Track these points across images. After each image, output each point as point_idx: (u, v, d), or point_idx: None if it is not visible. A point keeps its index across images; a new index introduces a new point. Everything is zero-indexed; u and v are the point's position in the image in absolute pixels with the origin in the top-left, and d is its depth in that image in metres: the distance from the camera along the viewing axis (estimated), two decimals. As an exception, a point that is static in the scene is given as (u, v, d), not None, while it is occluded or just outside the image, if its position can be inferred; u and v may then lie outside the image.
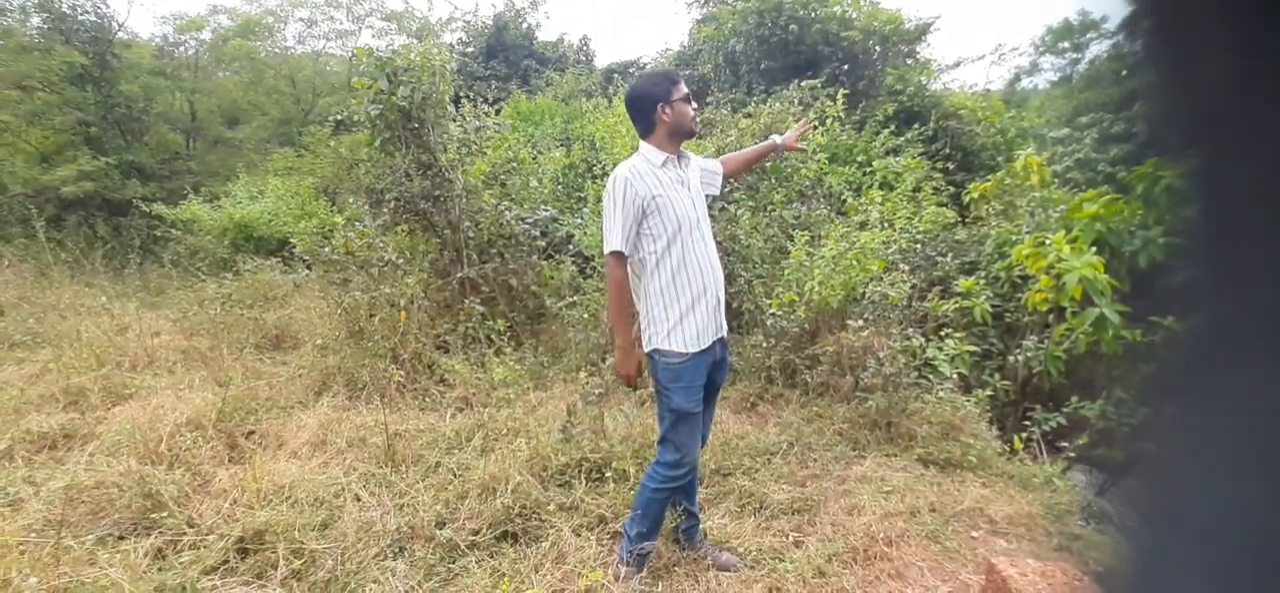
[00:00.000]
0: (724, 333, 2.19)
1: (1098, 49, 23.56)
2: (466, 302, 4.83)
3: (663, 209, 2.02)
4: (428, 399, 4.21)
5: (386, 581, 2.26)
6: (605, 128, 7.12)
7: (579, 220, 5.84)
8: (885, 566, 2.42)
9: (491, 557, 2.39)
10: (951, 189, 7.40)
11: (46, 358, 4.64)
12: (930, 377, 3.95)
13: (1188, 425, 0.39)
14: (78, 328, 5.19)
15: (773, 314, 4.28)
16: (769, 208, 5.36)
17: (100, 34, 11.01)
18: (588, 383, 3.50)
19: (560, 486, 2.85)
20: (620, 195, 2.01)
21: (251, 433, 3.55)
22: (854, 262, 4.21)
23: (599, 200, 5.80)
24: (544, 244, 5.79)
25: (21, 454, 3.27)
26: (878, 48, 10.59)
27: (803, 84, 7.62)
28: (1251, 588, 0.34)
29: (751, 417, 3.94)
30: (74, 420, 3.65)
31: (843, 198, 6.32)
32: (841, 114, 7.26)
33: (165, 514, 2.56)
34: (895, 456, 3.35)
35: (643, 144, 2.15)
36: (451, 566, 2.34)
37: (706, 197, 2.31)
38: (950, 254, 5.67)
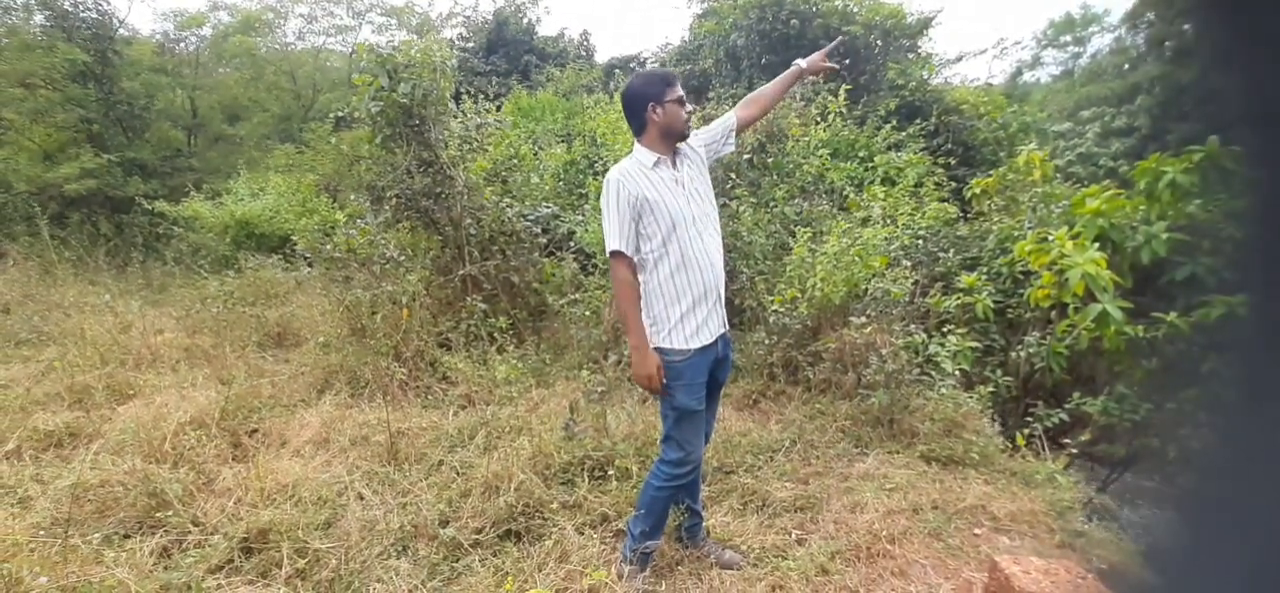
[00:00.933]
0: (726, 330, 2.19)
1: (1100, 43, 23.48)
2: (468, 299, 4.84)
3: (655, 209, 2.02)
4: (430, 397, 4.22)
5: (390, 580, 2.28)
6: (606, 124, 7.12)
7: (580, 217, 5.84)
8: (888, 563, 2.42)
9: (495, 556, 2.40)
10: (953, 184, 7.38)
11: (51, 356, 4.66)
12: (932, 373, 3.95)
13: (1234, 421, 0.39)
14: (82, 326, 5.20)
15: (775, 311, 4.28)
16: (771, 204, 5.35)
17: (101, 31, 11.01)
18: (590, 380, 3.51)
19: (563, 484, 2.86)
20: (613, 197, 2.05)
21: (254, 431, 3.57)
22: (856, 258, 4.21)
23: (599, 197, 5.80)
24: (545, 241, 5.79)
25: (29, 453, 3.29)
26: (879, 42, 10.56)
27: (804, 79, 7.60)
28: None
29: (754, 414, 3.95)
30: (79, 419, 3.66)
31: (845, 194, 6.31)
32: (843, 109, 7.25)
33: (170, 513, 2.57)
34: (898, 453, 3.35)
35: (636, 144, 2.16)
36: (454, 565, 2.35)
37: (724, 154, 2.35)
38: (952, 250, 5.66)
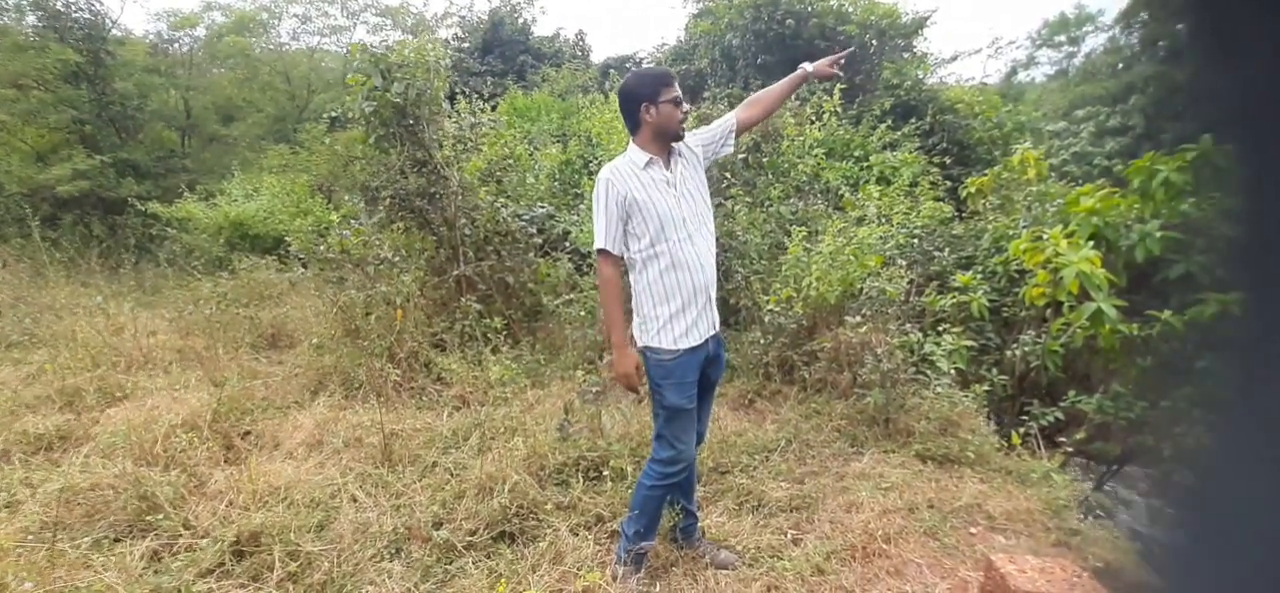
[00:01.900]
0: (717, 330, 2.19)
1: (1094, 42, 23.60)
2: (463, 300, 4.81)
3: (644, 209, 2.03)
4: (424, 398, 4.20)
5: (383, 582, 2.26)
6: (602, 124, 7.11)
7: (575, 217, 5.83)
8: (884, 563, 2.42)
9: (488, 557, 2.39)
10: (948, 184, 7.39)
11: (42, 358, 4.62)
12: (928, 372, 3.94)
13: (1229, 417, 0.39)
14: (73, 328, 5.16)
15: (770, 310, 4.27)
16: (766, 204, 5.34)
17: (94, 31, 10.95)
18: (585, 381, 3.50)
19: (557, 485, 2.84)
20: (602, 196, 2.06)
21: (247, 433, 3.54)
22: (851, 257, 4.21)
23: (595, 196, 5.79)
24: (540, 241, 5.77)
25: (18, 456, 3.26)
26: (875, 42, 10.57)
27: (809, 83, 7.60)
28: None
29: (749, 413, 3.94)
30: (70, 422, 3.63)
31: (840, 193, 6.32)
32: (839, 109, 7.25)
33: (161, 517, 2.55)
34: (893, 452, 3.34)
35: (630, 142, 2.17)
36: (448, 567, 2.34)
37: (723, 155, 2.34)
38: (947, 249, 5.67)
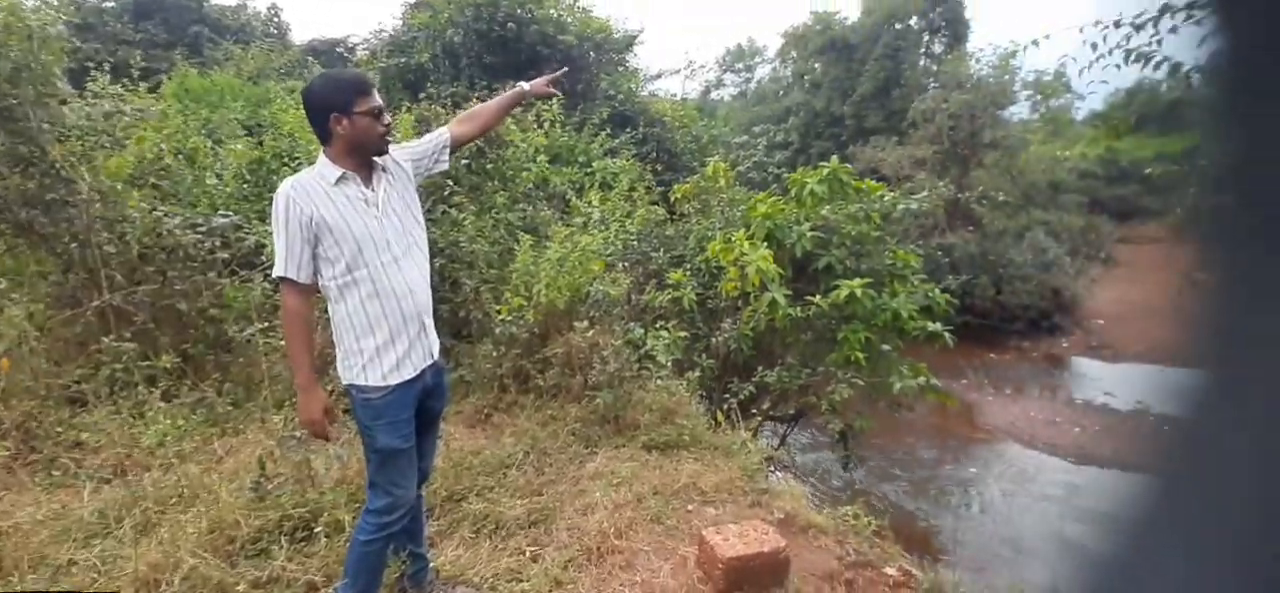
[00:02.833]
0: (434, 359, 2.04)
1: (763, 71, 28.75)
2: (110, 338, 3.76)
3: (336, 231, 1.80)
4: (55, 474, 3.17)
5: None
6: (299, 119, 6.21)
7: (272, 228, 4.98)
8: (617, 559, 2.57)
9: (154, 674, 1.89)
10: (661, 189, 8.24)
11: None
12: (650, 366, 4.33)
13: (1213, 405, 0.38)
14: None
15: (503, 321, 4.22)
16: (494, 211, 5.27)
17: None
18: (288, 423, 3.01)
19: (253, 557, 2.39)
20: (282, 216, 1.79)
21: None
22: (577, 263, 4.39)
23: (297, 204, 5.03)
24: (226, 257, 4.81)
25: None
26: (592, 53, 11.23)
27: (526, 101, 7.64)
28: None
29: (486, 429, 3.85)
30: None
31: (567, 198, 6.56)
32: (561, 118, 7.51)
33: None
34: (623, 446, 3.58)
35: (321, 153, 1.91)
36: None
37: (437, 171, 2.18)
38: (662, 249, 6.30)
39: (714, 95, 30.58)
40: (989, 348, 12.53)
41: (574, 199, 6.50)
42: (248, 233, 5.06)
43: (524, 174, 5.88)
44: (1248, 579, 0.33)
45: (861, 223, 5.57)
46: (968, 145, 15.76)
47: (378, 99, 1.89)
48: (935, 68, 19.99)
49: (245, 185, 6.32)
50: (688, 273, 5.75)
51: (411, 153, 2.11)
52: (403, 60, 11.56)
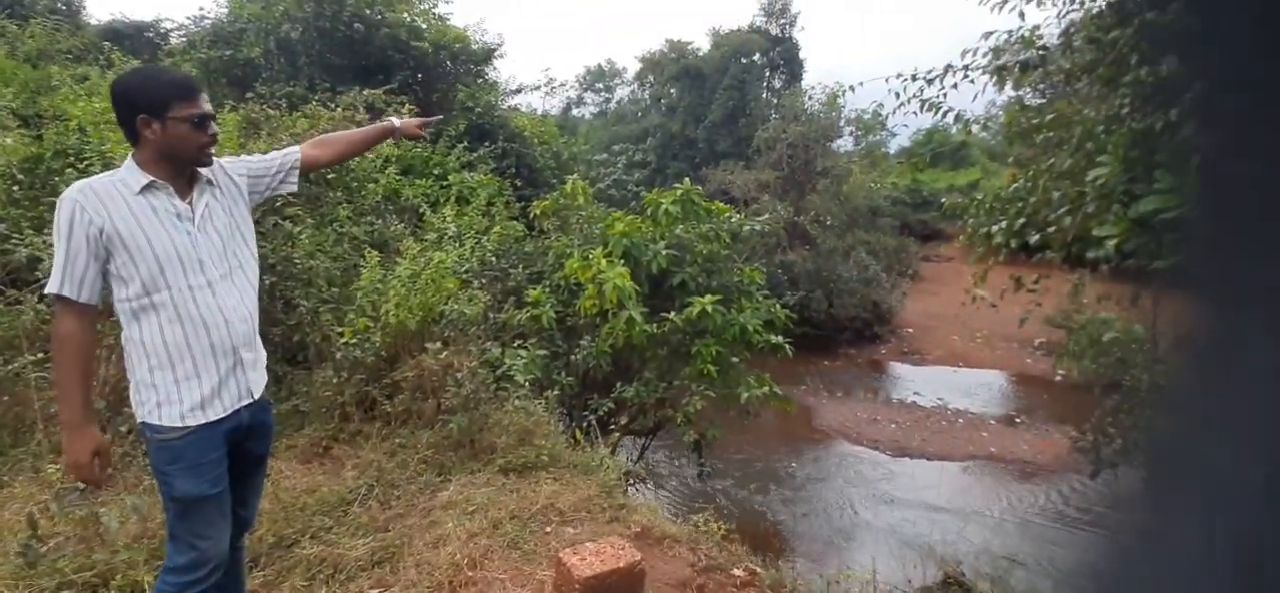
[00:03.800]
0: (255, 395, 1.81)
1: (622, 92, 29.60)
2: None
3: (130, 246, 1.59)
4: None
5: None
6: (94, 112, 5.33)
7: (50, 240, 4.19)
8: (471, 592, 2.47)
9: None
10: (520, 204, 8.15)
11: None
12: (508, 386, 4.24)
13: (1191, 407, 0.38)
14: None
15: (345, 343, 3.91)
16: (335, 223, 4.89)
17: None
18: (66, 473, 2.54)
19: (20, 638, 1.99)
20: (65, 225, 1.56)
21: None
22: (430, 281, 4.19)
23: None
24: (-16, 273, 3.98)
25: None
26: (449, 64, 10.85)
27: (365, 91, 7.18)
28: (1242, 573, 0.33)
29: (324, 463, 3.53)
30: None
31: (419, 212, 6.26)
32: (414, 126, 7.16)
33: None
34: (479, 471, 3.47)
35: (129, 157, 1.67)
36: None
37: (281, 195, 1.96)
38: (521, 266, 6.23)
39: (575, 113, 30.90)
40: (822, 355, 13.85)
41: (428, 213, 6.21)
42: (19, 244, 4.22)
43: (371, 186, 5.52)
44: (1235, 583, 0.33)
45: (712, 243, 5.93)
46: (803, 172, 17.42)
47: (203, 105, 1.68)
48: (776, 101, 21.88)
49: (16, 187, 5.26)
50: (547, 290, 5.74)
51: (249, 168, 1.90)
52: (228, 53, 10.35)
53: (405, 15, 10.68)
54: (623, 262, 5.31)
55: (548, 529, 2.99)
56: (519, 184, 9.02)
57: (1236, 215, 0.36)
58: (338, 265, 4.59)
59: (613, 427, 5.02)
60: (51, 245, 4.10)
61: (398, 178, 6.24)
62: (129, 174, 1.64)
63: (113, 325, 2.49)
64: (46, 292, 1.60)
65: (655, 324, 5.20)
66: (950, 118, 4.33)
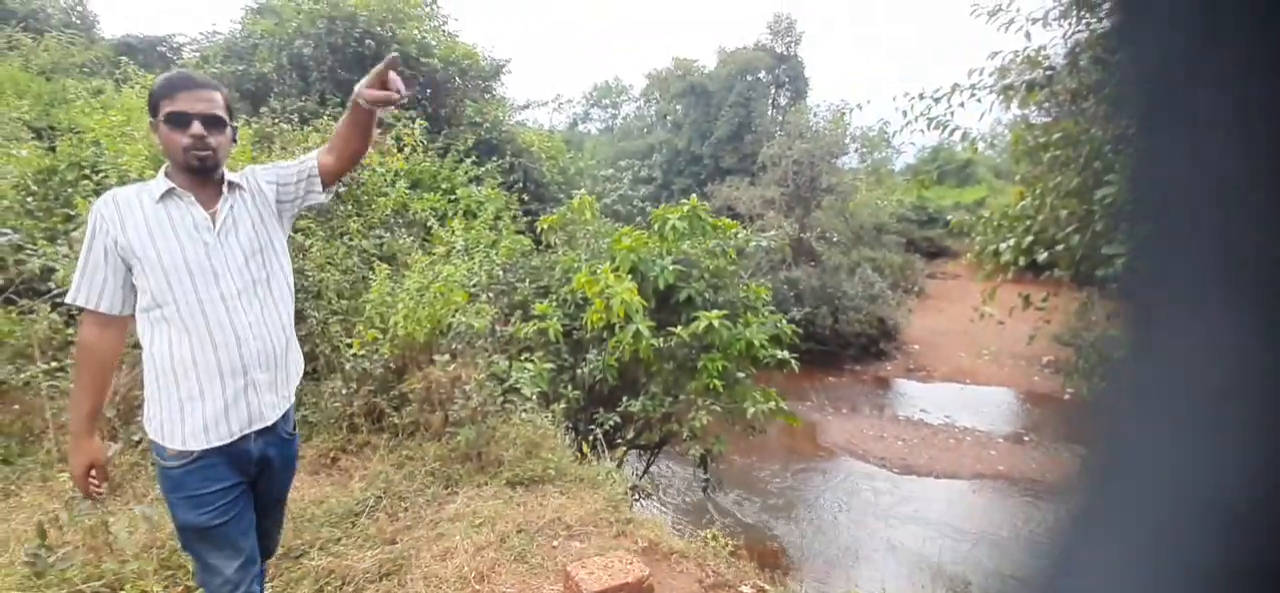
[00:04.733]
0: (266, 420, 1.67)
1: (628, 108, 29.81)
2: None
3: (140, 257, 1.54)
4: None
5: None
6: (110, 125, 5.40)
7: (63, 250, 4.25)
8: (477, 603, 2.47)
9: None
10: (527, 218, 8.20)
11: None
12: (515, 399, 4.25)
13: (1128, 385, 0.38)
14: None
15: (354, 355, 3.94)
16: (345, 236, 4.93)
17: None
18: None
19: (29, 647, 1.99)
20: (88, 233, 1.56)
21: None
22: (438, 294, 4.22)
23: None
24: (2, 282, 4.03)
25: None
26: (459, 80, 10.96)
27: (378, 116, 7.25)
28: (1179, 539, 0.34)
29: (333, 474, 3.54)
30: None
31: (428, 226, 6.30)
32: (423, 141, 7.23)
33: None
34: (486, 484, 3.47)
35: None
36: None
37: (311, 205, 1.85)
38: (528, 280, 6.26)
39: (581, 128, 31.12)
40: (828, 372, 13.80)
41: (436, 227, 6.25)
42: (32, 254, 4.28)
43: (381, 199, 5.57)
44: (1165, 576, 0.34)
45: (719, 258, 5.94)
46: (809, 189, 17.48)
47: (186, 102, 1.55)
48: (781, 118, 21.99)
49: (30, 198, 5.34)
50: (554, 304, 5.76)
51: (278, 175, 1.79)
52: (241, 68, 10.50)
53: (415, 32, 10.81)
54: (630, 276, 5.33)
55: (555, 543, 2.98)
56: (526, 198, 9.07)
57: (1155, 211, 0.37)
58: (347, 278, 4.62)
59: (619, 441, 5.01)
60: (65, 255, 4.16)
61: (407, 192, 6.30)
62: (156, 181, 1.61)
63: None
64: (66, 299, 1.60)
65: (662, 338, 5.20)
66: (957, 135, 4.36)
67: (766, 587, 2.96)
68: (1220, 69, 0.32)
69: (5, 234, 4.50)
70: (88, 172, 5.40)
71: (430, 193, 7.16)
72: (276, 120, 6.34)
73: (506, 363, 4.59)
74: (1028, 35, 3.84)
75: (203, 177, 1.63)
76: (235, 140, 1.73)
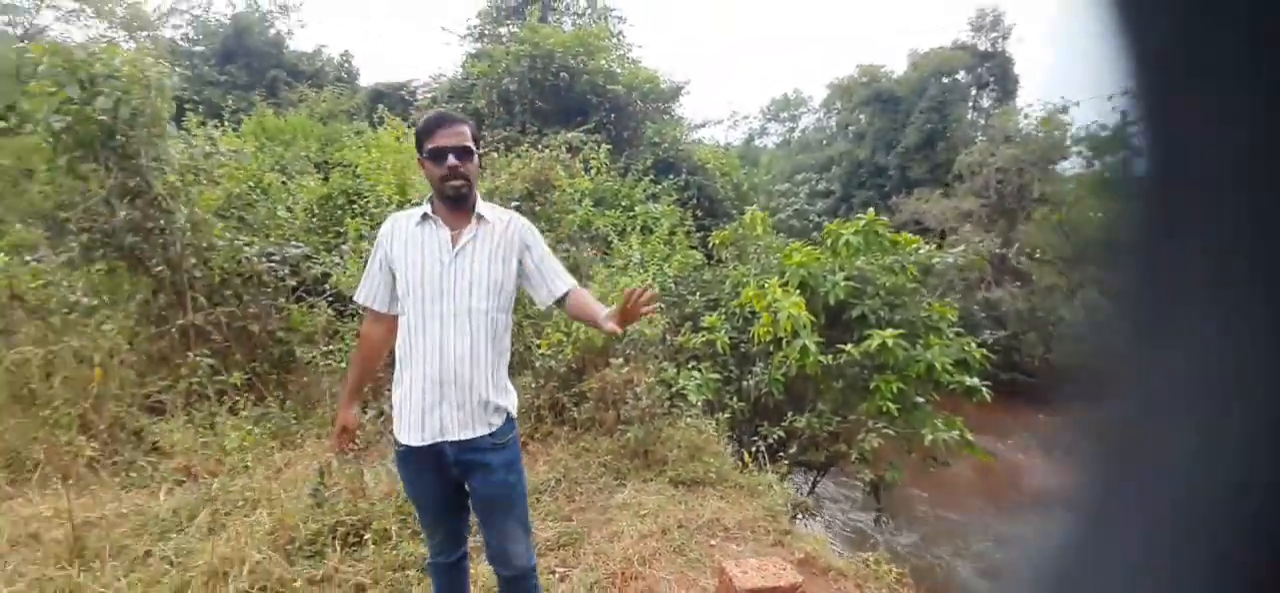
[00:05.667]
0: (448, 437, 1.73)
1: (807, 120, 29.05)
2: (191, 353, 4.16)
3: (398, 268, 1.79)
4: (134, 475, 3.52)
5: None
6: (369, 162, 6.70)
7: (337, 259, 5.41)
8: (639, 585, 2.70)
9: (222, 653, 2.12)
10: (700, 234, 8.48)
11: None
12: (681, 405, 4.48)
13: (1131, 381, 0.38)
14: None
15: (542, 355, 4.46)
16: (539, 250, 5.57)
17: None
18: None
19: (310, 557, 2.62)
20: (375, 246, 1.88)
21: None
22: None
23: (360, 238, 5.46)
24: (294, 284, 5.25)
25: None
26: (640, 102, 11.69)
27: (567, 133, 8.07)
28: (1184, 541, 0.33)
29: (523, 457, 4.04)
30: None
31: (608, 240, 6.85)
32: (607, 162, 7.87)
33: None
34: (651, 480, 3.72)
35: None
36: (168, 672, 2.02)
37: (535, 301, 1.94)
38: (698, 293, 6.49)
39: (758, 142, 31.00)
40: (1037, 408, 12.11)
41: (616, 241, 6.78)
42: (315, 263, 5.50)
43: (569, 216, 6.20)
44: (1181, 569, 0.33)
45: (897, 274, 5.64)
46: (1015, 199, 15.55)
47: (442, 138, 1.74)
48: (983, 121, 19.87)
49: (314, 219, 6.84)
50: (722, 317, 5.91)
51: (533, 247, 1.87)
52: (461, 105, 12.29)
53: (603, 61, 11.77)
54: (799, 291, 5.29)
55: (712, 542, 3.12)
56: (700, 214, 9.39)
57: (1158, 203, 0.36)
58: (539, 286, 5.22)
59: (782, 456, 4.98)
60: (338, 263, 5.24)
61: (592, 209, 6.90)
62: (420, 207, 1.83)
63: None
64: (354, 298, 1.96)
65: (831, 356, 5.08)
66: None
67: (933, 621, 2.79)
68: (1221, 57, 0.31)
69: (298, 247, 5.82)
70: (353, 198, 6.77)
71: (611, 210, 7.76)
72: (486, 149, 7.37)
73: (675, 370, 4.85)
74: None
75: (456, 203, 1.78)
76: (481, 166, 1.92)
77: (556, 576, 2.75)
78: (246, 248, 4.87)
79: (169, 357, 4.37)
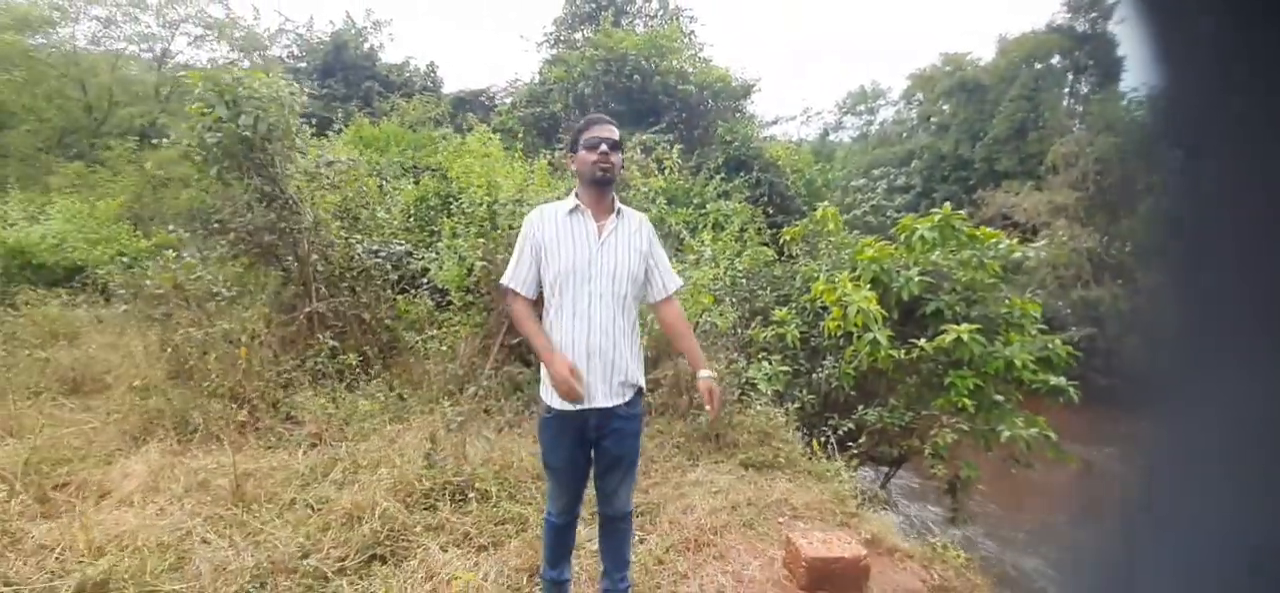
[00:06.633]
0: (596, 404, 1.98)
1: (886, 113, 28.07)
2: (316, 336, 4.74)
3: (549, 253, 1.99)
4: (273, 438, 4.09)
5: (251, 614, 2.32)
6: (461, 167, 7.23)
7: (433, 256, 5.94)
8: (711, 551, 2.93)
9: (362, 579, 2.53)
10: (772, 230, 8.56)
11: None
12: (751, 394, 4.66)
13: (1168, 424, 0.37)
14: None
15: (620, 343, 4.76)
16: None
17: None
18: (449, 411, 3.69)
19: (425, 509, 3.03)
20: (521, 236, 2.07)
21: (64, 484, 3.25)
22: (688, 296, 4.85)
23: (454, 236, 5.96)
24: (396, 278, 5.82)
25: None
26: (711, 101, 11.85)
27: (640, 135, 8.35)
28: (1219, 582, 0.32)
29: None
30: None
31: (681, 237, 7.09)
32: (679, 161, 8.11)
33: (-29, 578, 2.35)
34: (722, 461, 3.94)
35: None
36: (322, 591, 2.45)
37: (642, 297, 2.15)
38: (769, 288, 6.62)
39: (832, 137, 30.28)
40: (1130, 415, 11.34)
41: (688, 238, 7.01)
42: (415, 259, 6.07)
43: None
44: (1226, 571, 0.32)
45: (975, 269, 5.55)
46: (1118, 192, 14.55)
47: (597, 131, 2.00)
48: (1080, 109, 18.67)
49: (410, 219, 7.48)
50: (793, 311, 6.02)
51: (654, 250, 2.14)
52: (538, 109, 12.86)
53: (675, 62, 12.01)
54: (870, 286, 5.33)
55: (780, 519, 3.31)
56: (771, 211, 9.46)
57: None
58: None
59: (851, 448, 5.06)
60: (434, 260, 5.76)
61: (665, 206, 7.16)
62: (567, 200, 2.06)
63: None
64: (501, 283, 2.13)
65: (903, 351, 5.10)
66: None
67: (999, 603, 2.87)
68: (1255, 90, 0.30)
69: (401, 245, 6.43)
70: (446, 199, 7.35)
71: (684, 208, 7.99)
72: (564, 153, 7.79)
73: (745, 362, 5.03)
74: None
75: (602, 190, 2.03)
76: (622, 165, 2.18)
77: (636, 538, 3.03)
78: (357, 245, 5.46)
79: (296, 340, 4.99)
